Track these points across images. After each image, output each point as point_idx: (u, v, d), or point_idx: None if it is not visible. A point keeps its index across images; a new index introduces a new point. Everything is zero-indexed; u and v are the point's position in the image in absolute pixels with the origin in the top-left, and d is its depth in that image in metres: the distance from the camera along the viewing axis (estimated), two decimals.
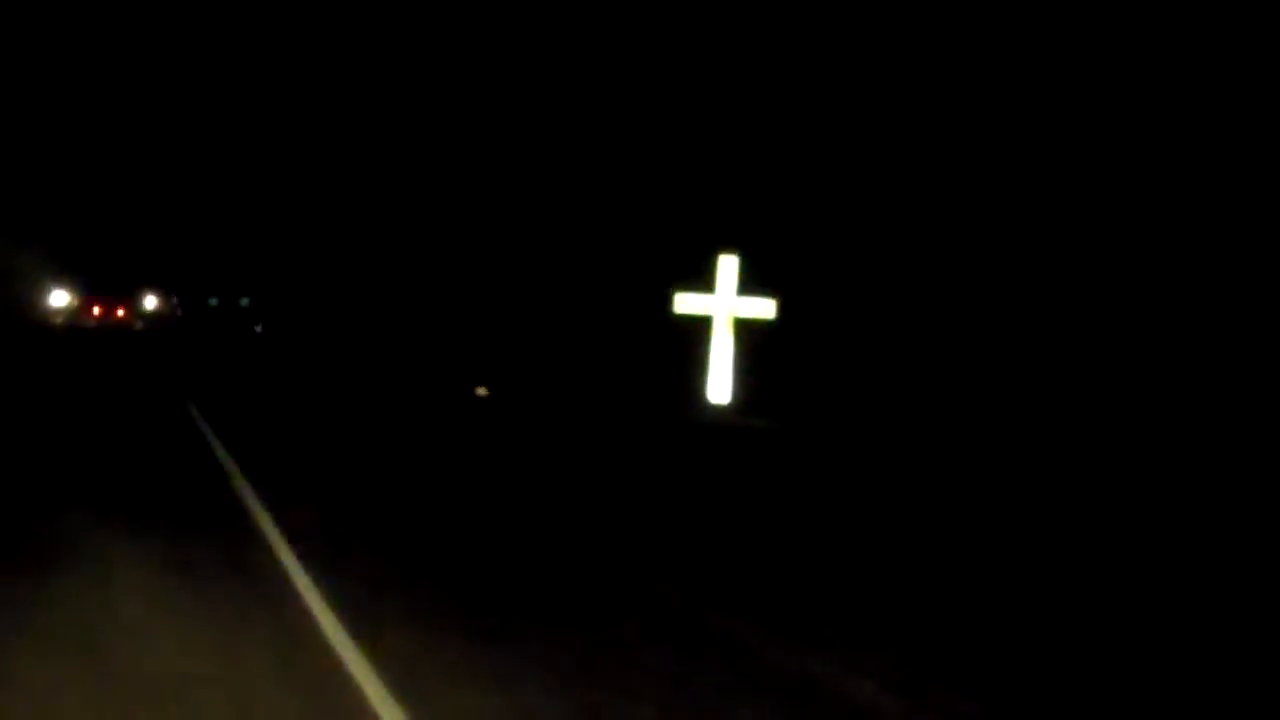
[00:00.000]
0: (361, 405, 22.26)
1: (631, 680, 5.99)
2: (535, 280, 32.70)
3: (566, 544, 9.75)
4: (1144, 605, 8.49)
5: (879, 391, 22.37)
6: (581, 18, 30.27)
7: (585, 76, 30.10)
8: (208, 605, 7.05)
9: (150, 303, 78.58)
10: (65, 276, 68.87)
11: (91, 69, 56.99)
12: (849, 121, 24.84)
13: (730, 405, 21.88)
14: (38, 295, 65.33)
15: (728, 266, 21.95)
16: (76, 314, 70.33)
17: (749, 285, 21.96)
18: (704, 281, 22.08)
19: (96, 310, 74.78)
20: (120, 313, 76.56)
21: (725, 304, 21.93)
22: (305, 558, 8.28)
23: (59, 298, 67.47)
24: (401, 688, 5.60)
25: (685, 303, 22.18)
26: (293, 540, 8.87)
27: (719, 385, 22.07)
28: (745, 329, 22.13)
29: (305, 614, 6.92)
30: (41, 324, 56.95)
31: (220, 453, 13.95)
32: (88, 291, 74.01)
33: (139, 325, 72.27)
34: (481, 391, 24.33)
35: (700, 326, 22.38)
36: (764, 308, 21.83)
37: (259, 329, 60.59)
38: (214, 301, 73.26)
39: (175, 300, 77.73)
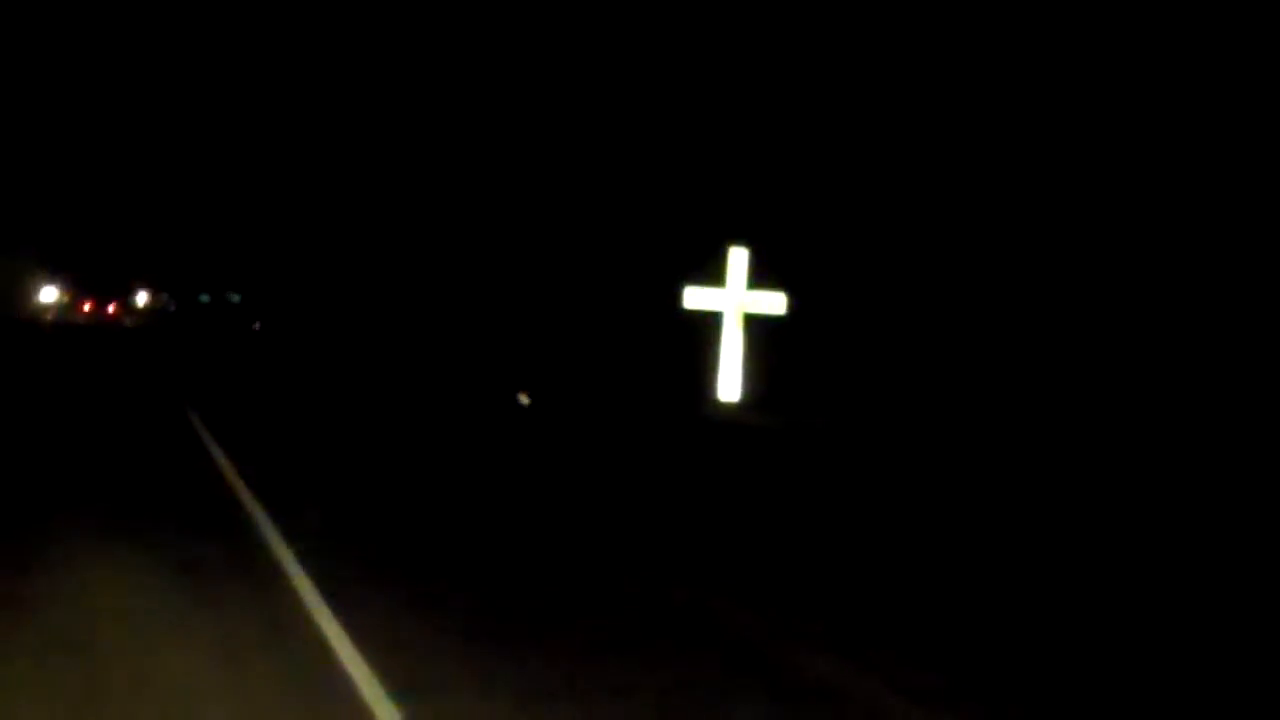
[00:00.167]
0: (379, 411, 20.28)
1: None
2: (541, 274, 32.04)
3: (590, 550, 9.00)
4: (1147, 606, 8.17)
5: (891, 388, 21.81)
6: (592, 12, 29.69)
7: (596, 71, 29.50)
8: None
9: (141, 299, 77.89)
10: (55, 273, 68.15)
11: (82, 66, 56.25)
12: (860, 112, 24.29)
13: (740, 402, 21.19)
14: (28, 292, 64.62)
15: (738, 259, 21.21)
16: (67, 310, 69.58)
17: (759, 279, 21.27)
18: (714, 275, 21.38)
19: (87, 307, 74.14)
20: (111, 309, 75.94)
21: (735, 299, 21.21)
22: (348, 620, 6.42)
23: (49, 294, 66.79)
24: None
25: (695, 297, 21.43)
26: (330, 594, 6.90)
27: (729, 382, 21.36)
28: (755, 323, 21.46)
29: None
30: (31, 320, 56.17)
31: (231, 475, 11.37)
32: (78, 288, 73.38)
33: (130, 321, 71.62)
34: (524, 399, 21.55)
35: (709, 321, 21.72)
36: (775, 302, 21.13)
37: (257, 326, 58.62)
38: (205, 298, 72.37)
39: (166, 296, 77.01)
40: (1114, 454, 16.00)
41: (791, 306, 21.19)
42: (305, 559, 7.62)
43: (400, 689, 5.18)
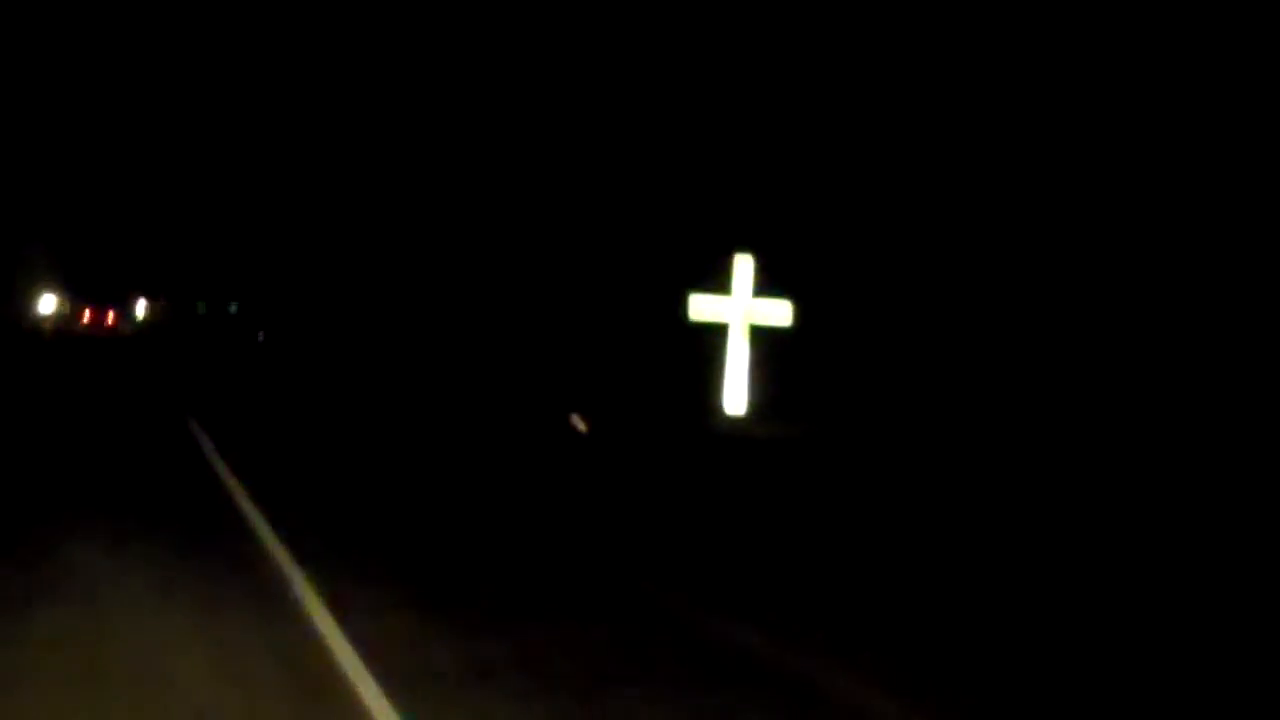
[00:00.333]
0: (408, 434, 18.40)
1: None
2: (547, 282, 31.39)
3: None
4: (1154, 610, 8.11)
5: (899, 399, 21.24)
6: (596, 18, 29.05)
7: (600, 79, 28.88)
8: None
9: (140, 309, 77.27)
10: (54, 283, 67.45)
11: (81, 76, 55.61)
12: (866, 119, 23.69)
13: (747, 414, 20.42)
14: (26, 302, 63.95)
15: (744, 267, 20.44)
16: (66, 320, 68.92)
17: (765, 287, 20.53)
18: (719, 284, 20.62)
19: (87, 316, 73.51)
20: (110, 319, 75.28)
21: (741, 308, 20.43)
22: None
23: (47, 304, 66.07)
24: None
25: (700, 306, 20.60)
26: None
27: (735, 394, 20.56)
28: (761, 332, 20.71)
29: None
30: (30, 330, 55.51)
31: (256, 519, 9.70)
32: (77, 298, 72.74)
33: (128, 331, 71.02)
34: (579, 424, 18.34)
35: (714, 329, 20.97)
36: (781, 311, 20.36)
37: (261, 337, 56.71)
38: (202, 307, 71.66)
39: (164, 306, 76.34)
40: (1120, 463, 15.60)
41: (798, 315, 20.45)
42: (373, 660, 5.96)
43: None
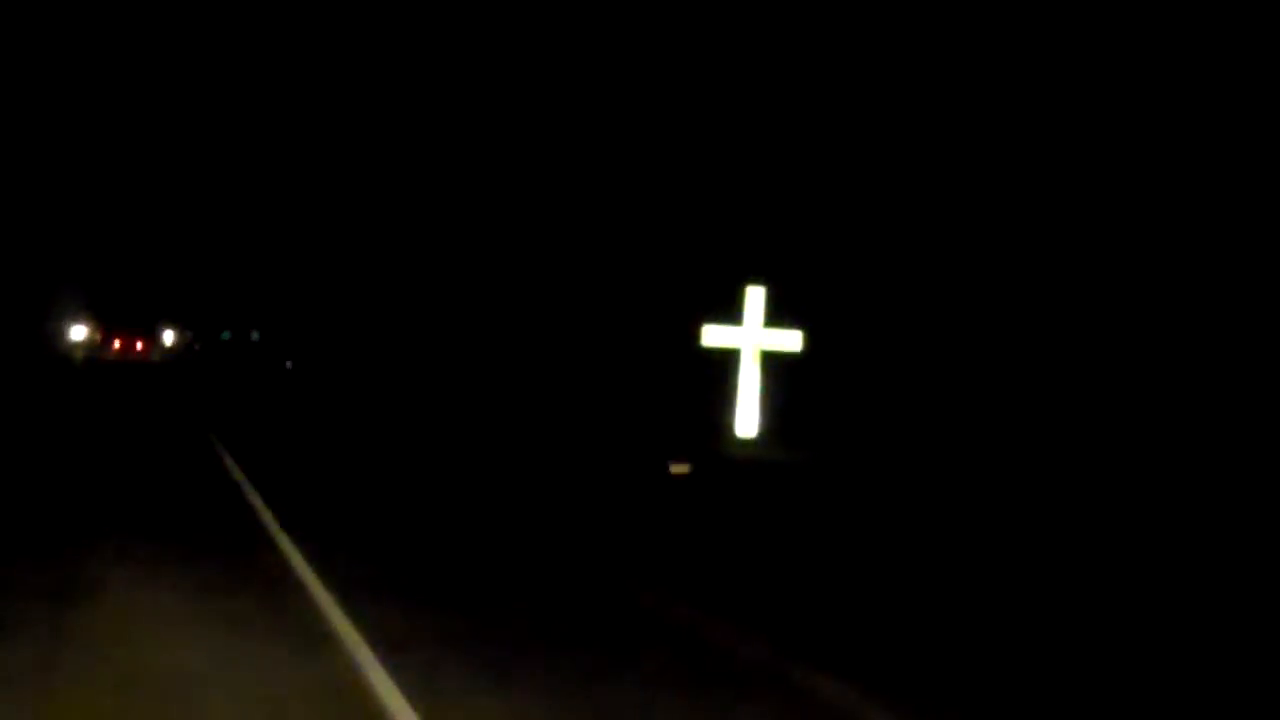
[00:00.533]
0: (467, 471, 16.94)
1: None
2: (567, 311, 31.70)
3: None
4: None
5: (907, 423, 21.43)
6: (611, 48, 29.48)
7: (618, 109, 29.25)
8: None
9: (168, 338, 77.91)
10: (86, 313, 68.16)
11: (115, 115, 56.37)
12: (875, 151, 23.99)
13: (758, 438, 20.76)
14: (59, 330, 64.60)
15: (755, 298, 20.83)
16: (97, 348, 69.53)
17: (776, 317, 20.90)
18: (730, 313, 21.00)
19: (117, 344, 74.22)
20: (139, 347, 75.98)
21: (752, 336, 20.81)
22: None
23: (79, 332, 66.73)
24: None
25: (713, 335, 21.02)
26: None
27: (747, 418, 20.92)
28: (772, 360, 21.06)
29: None
30: (63, 357, 56.07)
31: (306, 574, 8.49)
32: (108, 326, 73.46)
33: (157, 357, 71.68)
34: (681, 468, 16.32)
35: (726, 357, 21.32)
36: (791, 339, 20.75)
37: (289, 365, 55.43)
38: (227, 335, 72.11)
39: (191, 335, 76.95)
40: (1127, 491, 15.65)
41: (808, 343, 20.82)
42: None
43: None
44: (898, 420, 21.74)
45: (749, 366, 20.84)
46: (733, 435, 20.79)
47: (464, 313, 36.70)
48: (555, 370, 30.33)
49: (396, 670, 6.11)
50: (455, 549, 10.32)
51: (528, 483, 15.82)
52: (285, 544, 9.74)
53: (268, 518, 11.10)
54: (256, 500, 12.31)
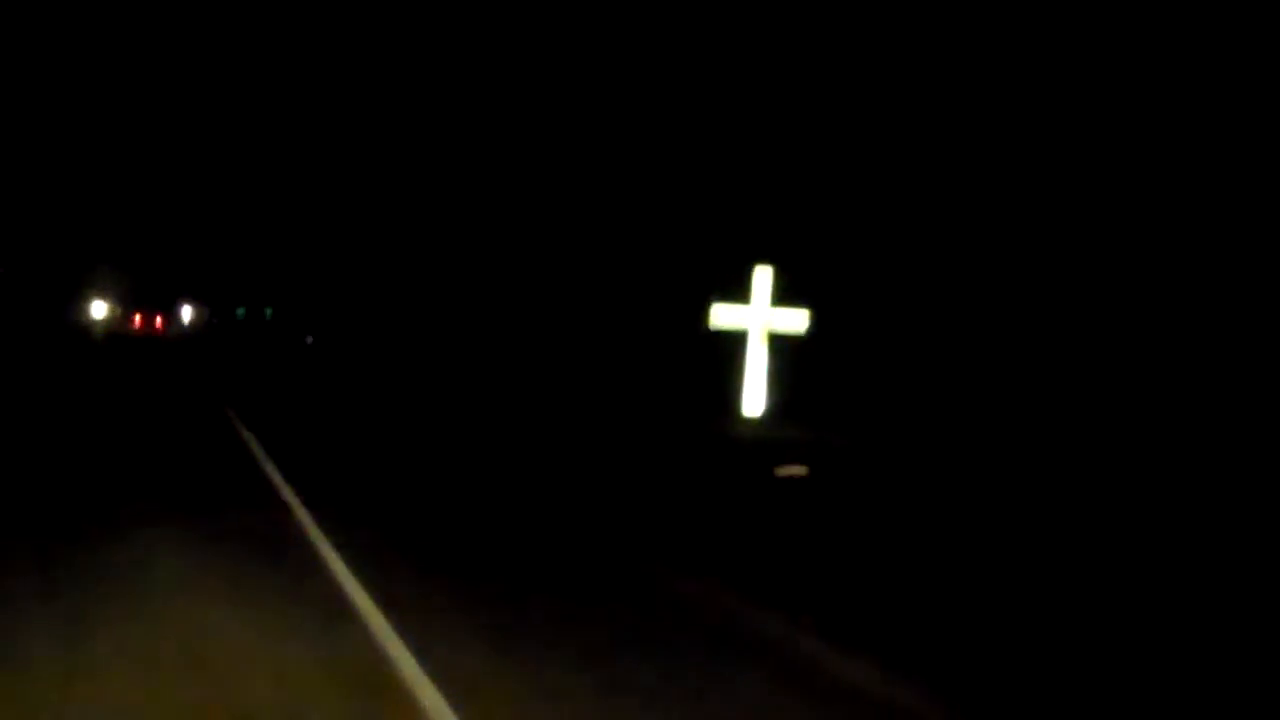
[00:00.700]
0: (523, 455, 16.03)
1: None
2: (565, 289, 31.72)
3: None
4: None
5: (913, 403, 21.44)
6: (619, 32, 29.39)
7: (624, 95, 29.18)
8: None
9: (186, 314, 78.13)
10: (106, 290, 68.39)
11: (135, 97, 56.40)
12: (885, 133, 23.91)
13: (764, 417, 20.80)
14: (80, 307, 64.87)
15: (763, 278, 20.83)
16: (116, 324, 69.81)
17: (783, 297, 20.89)
18: (738, 293, 20.99)
19: (137, 320, 74.55)
20: (158, 323, 76.27)
21: (760, 316, 20.81)
22: None
23: (98, 309, 66.98)
24: None
25: (720, 315, 21.04)
26: None
27: (754, 398, 20.96)
28: (779, 339, 21.07)
29: None
30: (82, 333, 56.33)
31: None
32: (128, 304, 73.74)
33: (175, 333, 71.97)
34: (796, 471, 14.31)
35: (733, 337, 21.33)
36: (798, 320, 20.75)
37: (310, 340, 54.42)
38: (241, 312, 72.27)
39: (208, 311, 77.18)
40: (1152, 464, 15.65)
41: (815, 323, 20.81)
42: None
43: None
44: (904, 401, 21.73)
45: (756, 346, 20.86)
46: (739, 414, 20.84)
47: (482, 294, 36.70)
48: (570, 349, 30.36)
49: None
50: (482, 529, 10.39)
51: (549, 461, 15.88)
52: (317, 537, 9.32)
53: (303, 517, 10.04)
54: (277, 478, 12.07)
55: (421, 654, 6.07)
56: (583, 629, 6.91)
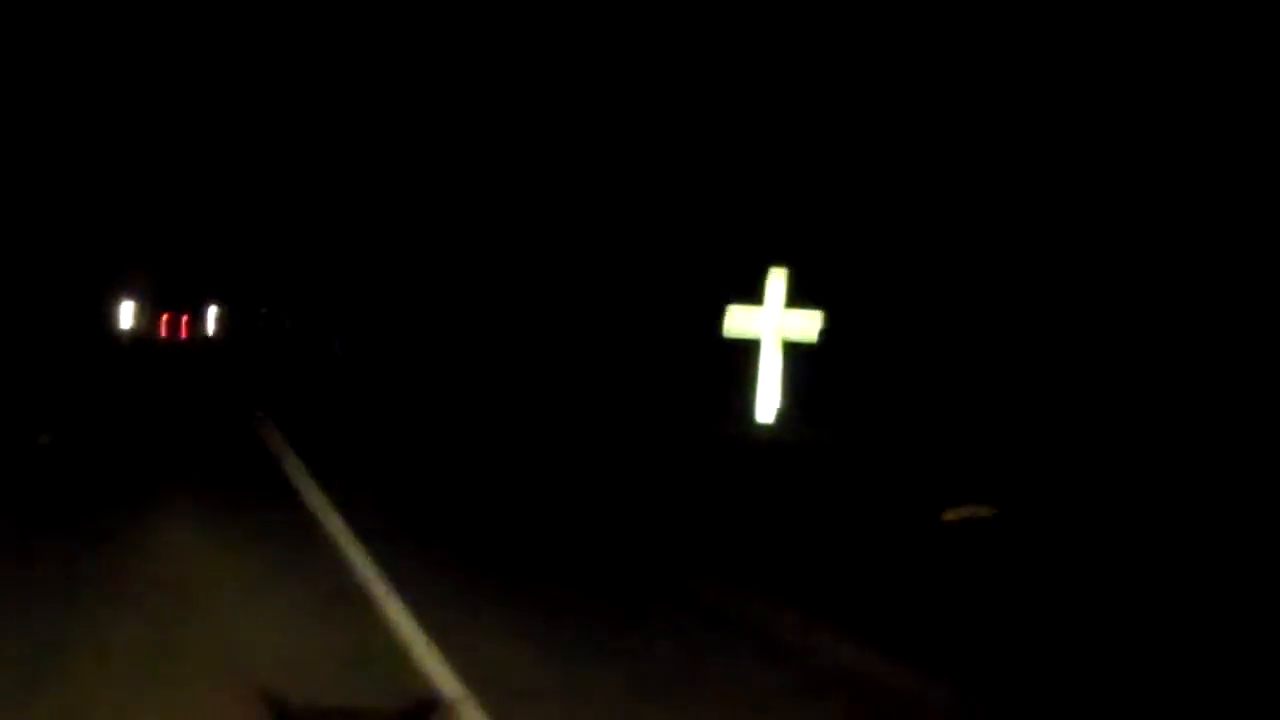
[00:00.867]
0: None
1: None
2: (579, 289, 31.76)
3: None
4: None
5: (926, 406, 21.42)
6: (631, 37, 29.42)
7: (642, 99, 29.19)
8: None
9: (212, 316, 78.55)
10: (133, 292, 68.81)
11: (163, 107, 56.74)
12: (900, 135, 23.87)
13: (777, 421, 20.81)
14: (108, 307, 65.23)
15: (776, 281, 20.85)
16: (143, 326, 70.23)
17: (797, 299, 20.89)
18: (752, 296, 21.02)
19: (164, 322, 75.02)
20: (184, 325, 76.73)
21: (774, 319, 20.82)
22: None
23: (126, 309, 67.31)
24: None
25: (734, 317, 21.07)
26: None
27: (767, 401, 20.97)
28: (793, 344, 21.08)
29: None
30: (109, 336, 56.65)
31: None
32: (155, 305, 74.24)
33: (200, 336, 72.45)
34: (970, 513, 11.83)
35: (746, 340, 21.36)
36: (813, 322, 20.75)
37: (338, 348, 52.31)
38: (264, 310, 72.51)
39: (231, 314, 77.63)
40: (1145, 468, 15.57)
41: (828, 325, 20.80)
42: None
43: None
44: (918, 402, 21.72)
45: (769, 349, 20.87)
46: (752, 417, 20.86)
47: (505, 300, 36.72)
48: (592, 349, 30.42)
49: None
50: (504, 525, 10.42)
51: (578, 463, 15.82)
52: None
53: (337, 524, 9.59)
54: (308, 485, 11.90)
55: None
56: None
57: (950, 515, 10.85)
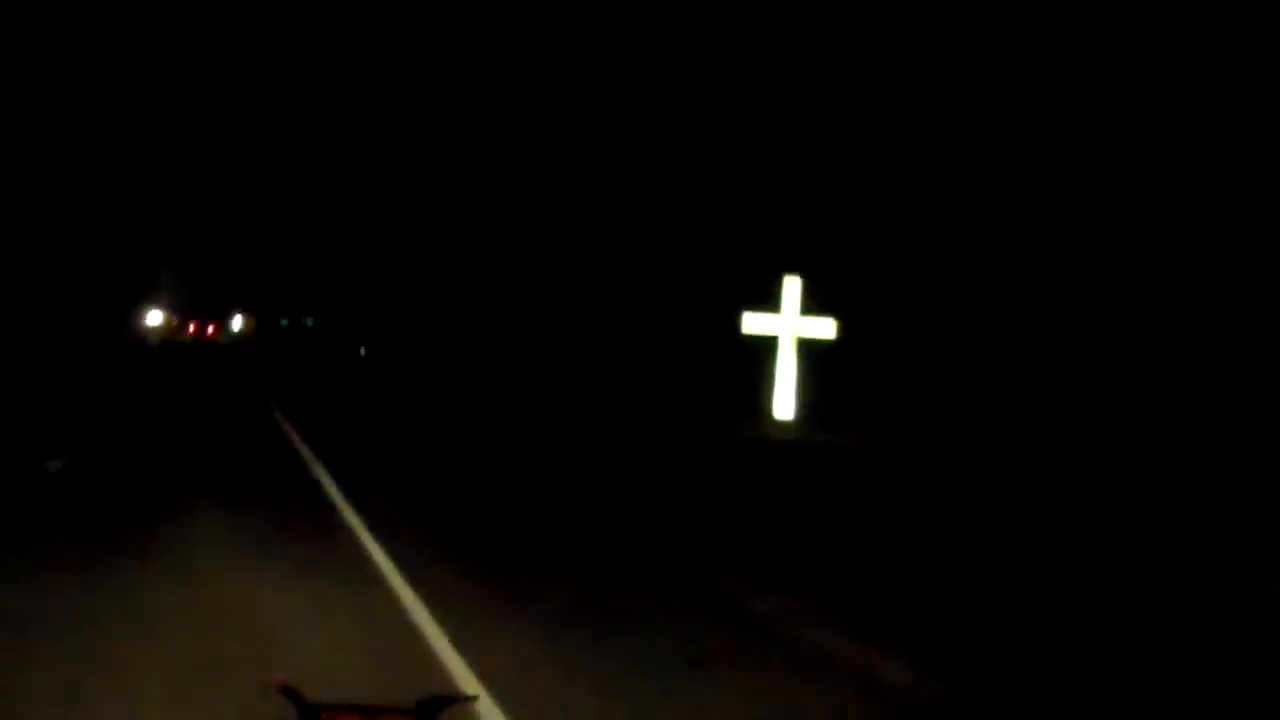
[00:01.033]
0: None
1: None
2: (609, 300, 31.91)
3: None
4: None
5: (935, 406, 21.48)
6: (652, 52, 29.56)
7: (669, 118, 29.31)
8: None
9: (237, 323, 79.15)
10: (162, 300, 69.46)
11: (195, 119, 57.24)
12: (912, 148, 23.93)
13: (795, 420, 20.96)
14: (138, 315, 65.79)
15: (792, 288, 21.08)
16: (172, 332, 70.83)
17: (812, 306, 21.13)
18: (769, 302, 21.26)
19: (191, 328, 75.70)
20: (211, 331, 77.41)
21: (789, 324, 21.08)
22: None
23: (154, 317, 67.93)
24: None
25: (752, 322, 21.34)
26: None
27: (784, 402, 21.12)
28: (808, 346, 21.25)
29: None
30: (139, 341, 57.10)
31: None
32: (184, 312, 74.96)
33: (224, 340, 73.02)
34: None
35: (764, 344, 21.53)
36: (825, 327, 21.03)
37: (363, 351, 52.43)
38: (285, 322, 72.86)
39: (256, 320, 78.17)
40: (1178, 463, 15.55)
41: (841, 331, 21.01)
42: None
43: None
44: (931, 405, 21.75)
45: (786, 352, 21.04)
46: (770, 416, 20.99)
47: (534, 310, 36.76)
48: (612, 357, 30.54)
49: None
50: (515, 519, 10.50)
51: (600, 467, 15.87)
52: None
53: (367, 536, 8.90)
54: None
55: None
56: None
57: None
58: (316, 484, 11.85)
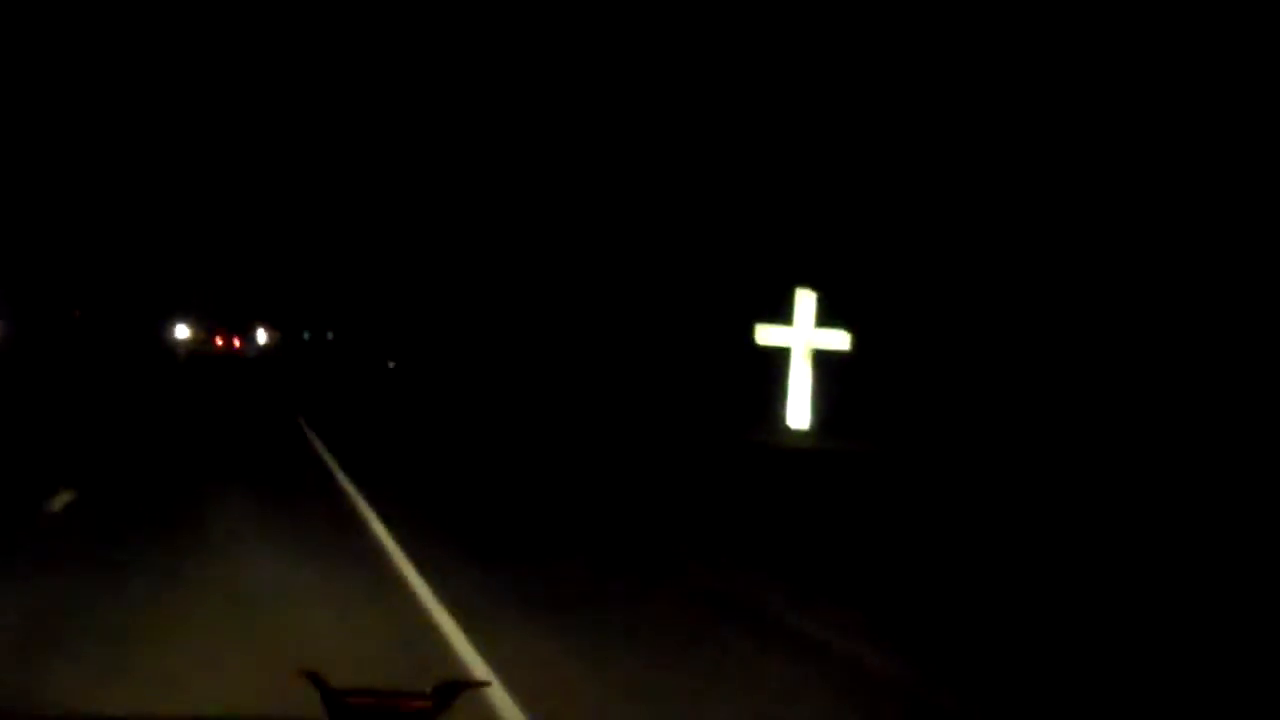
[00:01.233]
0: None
1: None
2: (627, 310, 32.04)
3: None
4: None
5: (947, 415, 21.50)
6: (671, 64, 29.70)
7: (687, 131, 29.43)
8: None
9: (261, 336, 79.71)
10: (189, 313, 70.04)
11: (216, 139, 57.81)
12: (924, 163, 23.97)
13: (809, 429, 21.06)
14: (166, 328, 66.34)
15: (805, 301, 21.28)
16: (199, 344, 71.37)
17: (826, 318, 21.31)
18: (785, 315, 21.45)
19: (219, 341, 76.27)
20: (236, 343, 78.01)
21: (803, 336, 21.25)
22: None
23: (181, 330, 68.43)
24: None
25: (766, 335, 21.52)
26: None
27: (799, 411, 21.24)
28: (821, 359, 21.37)
29: None
30: (167, 353, 57.52)
31: None
32: (210, 326, 75.62)
33: (252, 353, 73.48)
34: None
35: (779, 356, 21.67)
36: (839, 340, 21.18)
37: (392, 365, 51.78)
38: (307, 335, 73.31)
39: (280, 334, 78.72)
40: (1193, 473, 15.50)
41: (854, 343, 21.14)
42: None
43: None
44: (943, 414, 21.75)
45: (800, 363, 21.18)
46: (785, 425, 21.09)
47: (556, 324, 36.80)
48: (630, 366, 30.64)
49: None
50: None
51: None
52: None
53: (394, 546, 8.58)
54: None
55: None
56: None
57: None
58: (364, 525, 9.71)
